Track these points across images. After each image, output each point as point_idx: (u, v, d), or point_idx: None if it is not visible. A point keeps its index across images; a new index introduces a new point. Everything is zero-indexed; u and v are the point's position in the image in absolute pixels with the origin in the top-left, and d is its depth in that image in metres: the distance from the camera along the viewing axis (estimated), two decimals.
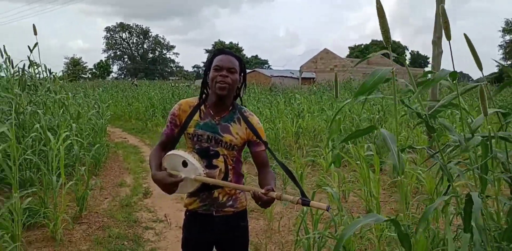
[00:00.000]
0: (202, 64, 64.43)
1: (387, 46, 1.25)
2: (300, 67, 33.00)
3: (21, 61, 4.87)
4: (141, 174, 5.68)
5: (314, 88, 17.65)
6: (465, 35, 1.42)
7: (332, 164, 2.43)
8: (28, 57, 5.32)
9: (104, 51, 66.96)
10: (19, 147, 2.69)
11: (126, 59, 68.72)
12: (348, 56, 51.23)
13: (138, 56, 68.67)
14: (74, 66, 55.12)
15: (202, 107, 1.74)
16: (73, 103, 4.96)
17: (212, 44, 61.11)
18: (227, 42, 61.12)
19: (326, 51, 32.24)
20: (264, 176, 1.73)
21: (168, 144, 1.77)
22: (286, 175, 1.65)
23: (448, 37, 1.33)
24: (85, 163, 4.04)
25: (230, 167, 1.76)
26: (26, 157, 2.96)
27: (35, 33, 5.05)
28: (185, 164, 1.62)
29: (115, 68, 67.58)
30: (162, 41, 70.12)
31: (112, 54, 67.49)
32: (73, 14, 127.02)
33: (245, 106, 1.85)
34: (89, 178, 3.64)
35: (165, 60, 70.27)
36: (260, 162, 1.77)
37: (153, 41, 69.57)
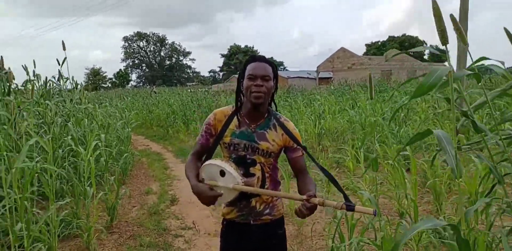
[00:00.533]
0: (218, 69, 64.99)
1: (444, 45, 1.20)
2: (317, 67, 32.75)
3: (52, 76, 5.00)
4: (166, 181, 5.73)
5: (332, 87, 17.48)
6: (505, 29, 1.35)
7: (363, 167, 2.37)
8: (59, 71, 5.57)
9: (123, 60, 68.54)
10: (52, 159, 2.74)
11: (144, 67, 70.06)
12: (365, 53, 50.51)
13: (156, 63, 69.87)
14: (95, 76, 56.60)
15: (238, 116, 1.74)
16: (101, 113, 5.05)
17: (228, 48, 61.54)
18: (242, 46, 61.41)
19: (343, 50, 31.87)
20: (303, 182, 1.70)
21: (203, 153, 1.77)
22: (328, 179, 1.61)
23: (465, 43, 1.27)
24: (113, 172, 4.09)
25: (267, 175, 1.75)
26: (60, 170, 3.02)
27: (64, 49, 5.20)
28: (222, 173, 1.61)
29: (133, 76, 69.04)
30: (178, 48, 71.21)
31: (131, 63, 68.95)
32: (92, 26, 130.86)
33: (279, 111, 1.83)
34: (118, 188, 3.69)
35: (181, 67, 71.22)
36: (298, 168, 1.75)
37: (170, 49, 70.69)
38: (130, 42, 69.21)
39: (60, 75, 5.80)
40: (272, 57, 65.44)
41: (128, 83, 62.07)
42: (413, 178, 2.36)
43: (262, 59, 1.69)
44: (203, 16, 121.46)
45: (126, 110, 7.34)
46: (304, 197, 1.43)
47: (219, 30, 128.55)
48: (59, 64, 5.56)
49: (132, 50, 69.41)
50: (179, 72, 69.85)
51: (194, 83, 45.18)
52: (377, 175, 4.40)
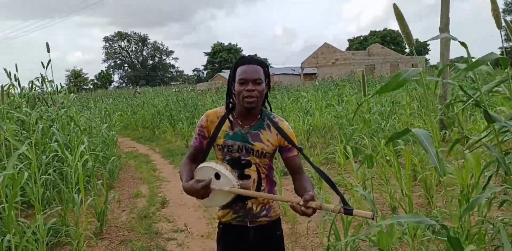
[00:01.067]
0: (202, 68, 64.55)
1: (410, 48, 1.21)
2: (302, 63, 32.87)
3: (36, 78, 4.84)
4: (155, 183, 5.65)
5: (317, 83, 17.58)
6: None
7: (355, 163, 2.36)
8: (41, 74, 5.41)
9: (104, 61, 67.37)
10: (36, 166, 2.64)
11: (126, 68, 69.03)
12: (348, 49, 50.94)
13: (138, 63, 68.93)
14: (75, 78, 55.47)
15: (230, 117, 1.70)
16: (83, 116, 4.92)
17: (211, 46, 61.09)
18: (226, 44, 61.09)
19: (326, 45, 32.04)
20: (300, 183, 1.67)
21: (198, 156, 1.74)
22: (325, 181, 1.58)
23: (499, 26, 1.27)
24: (100, 177, 3.99)
25: (263, 175, 1.73)
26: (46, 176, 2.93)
27: (48, 51, 5.06)
28: (218, 176, 1.58)
29: (116, 77, 67.98)
30: (161, 47, 70.40)
31: (112, 64, 67.84)
32: (71, 27, 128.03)
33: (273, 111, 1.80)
34: (107, 192, 3.61)
35: (165, 66, 70.49)
36: (294, 168, 1.72)
37: (152, 48, 69.79)
38: (111, 43, 68.06)
39: (43, 78, 5.68)
40: (256, 54, 65.19)
41: (110, 85, 61.11)
42: (407, 172, 2.36)
43: (253, 61, 1.65)
44: (184, 14, 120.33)
45: (109, 112, 7.16)
46: (301, 202, 1.40)
47: (201, 28, 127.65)
48: (44, 67, 5.42)
49: (113, 51, 68.29)
50: (163, 72, 69.11)
51: (178, 83, 44.77)
52: (365, 170, 4.44)
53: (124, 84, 64.38)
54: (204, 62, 63.52)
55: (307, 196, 1.40)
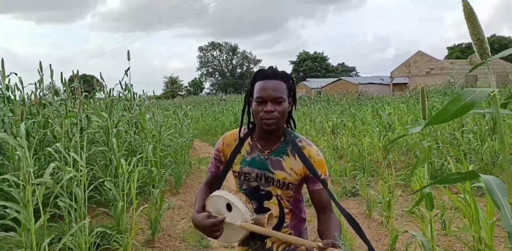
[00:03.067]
0: None
1: (483, 59, 0.83)
2: (391, 72, 30.88)
3: (116, 84, 5.25)
4: None
5: (408, 94, 16.18)
6: None
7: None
8: (120, 81, 5.87)
9: (198, 69, 72.24)
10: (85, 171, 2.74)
11: (217, 76, 73.00)
12: (447, 57, 46.44)
13: (228, 72, 72.37)
14: (172, 84, 60.53)
15: (249, 140, 1.47)
16: (154, 121, 5.13)
17: (297, 55, 61.29)
18: (311, 52, 60.72)
19: (420, 53, 29.59)
20: (325, 224, 1.37)
21: (214, 183, 1.54)
22: (351, 225, 1.26)
23: None
24: (164, 183, 4.07)
25: (286, 210, 1.46)
26: (99, 183, 3.04)
27: (129, 59, 5.44)
28: (229, 207, 1.36)
29: (207, 84, 72.34)
30: (249, 56, 73.00)
31: (205, 72, 72.36)
32: (171, 37, 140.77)
33: (298, 133, 1.52)
34: (161, 200, 3.63)
35: (252, 74, 72.62)
36: (319, 204, 1.42)
37: (241, 57, 72.77)
38: (204, 52, 72.80)
39: (126, 85, 6.17)
40: (343, 63, 63.61)
41: (201, 91, 65.19)
42: (489, 221, 1.80)
43: (273, 75, 1.39)
44: (275, 24, 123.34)
45: (180, 119, 7.44)
46: (320, 244, 1.11)
47: (290, 37, 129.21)
48: (126, 75, 5.94)
49: (206, 60, 72.89)
50: (250, 80, 71.32)
51: None
52: (444, 197, 3.76)
53: (214, 91, 68.11)
54: (290, 71, 63.96)
55: (328, 241, 1.10)
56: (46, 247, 2.12)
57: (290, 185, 1.42)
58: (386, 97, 16.01)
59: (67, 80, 5.19)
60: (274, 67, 1.46)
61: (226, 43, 73.18)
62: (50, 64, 5.12)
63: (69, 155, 2.61)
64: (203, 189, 1.55)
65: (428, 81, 23.43)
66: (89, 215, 3.74)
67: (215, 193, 1.42)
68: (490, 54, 0.83)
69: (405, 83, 28.65)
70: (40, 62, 4.85)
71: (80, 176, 2.50)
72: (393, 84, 30.02)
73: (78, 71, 5.19)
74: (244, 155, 1.47)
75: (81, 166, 2.53)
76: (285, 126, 1.48)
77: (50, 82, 5.36)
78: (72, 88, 4.92)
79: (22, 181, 2.08)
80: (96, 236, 2.97)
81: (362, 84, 30.17)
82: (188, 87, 63.88)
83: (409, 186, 4.94)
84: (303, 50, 62.59)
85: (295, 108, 1.50)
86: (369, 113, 9.36)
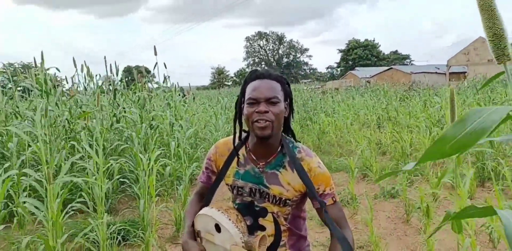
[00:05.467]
0: (335, 65, 63.20)
1: (500, 62, 0.59)
2: (448, 60, 28.72)
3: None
4: None
5: (466, 84, 14.88)
6: None
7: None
8: (164, 74, 6.02)
9: (245, 59, 72.61)
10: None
11: (263, 66, 72.86)
12: None
13: (274, 61, 71.95)
14: (219, 75, 61.43)
15: (243, 150, 1.29)
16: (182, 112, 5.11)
17: (346, 43, 59.18)
18: (362, 40, 58.26)
19: (481, 40, 27.10)
20: (333, 242, 1.21)
21: (205, 194, 1.39)
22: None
23: None
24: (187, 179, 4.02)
25: (283, 228, 1.28)
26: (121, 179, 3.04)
27: (155, 54, 5.49)
28: (218, 228, 1.21)
29: None
30: (296, 45, 71.88)
31: (251, 62, 72.56)
32: (220, 28, 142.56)
33: (300, 143, 1.31)
34: (186, 196, 3.58)
35: (298, 64, 71.77)
36: (326, 221, 1.23)
37: (288, 46, 71.86)
38: (251, 42, 72.86)
39: (165, 78, 6.34)
40: (396, 51, 60.35)
41: None
42: None
43: (266, 75, 1.21)
44: (323, 11, 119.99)
45: (215, 112, 7.37)
46: None
47: (339, 25, 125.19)
48: (165, 67, 6.11)
49: (253, 50, 72.99)
50: (296, 69, 70.53)
51: (309, 80, 44.94)
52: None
53: None
54: (337, 60, 62.06)
55: None
56: (60, 246, 2.11)
57: (287, 201, 1.24)
58: (440, 88, 14.86)
59: (119, 72, 5.52)
60: (269, 68, 1.29)
61: (272, 33, 72.68)
62: (105, 56, 5.39)
63: (91, 148, 2.60)
64: (193, 202, 1.41)
65: (490, 71, 21.47)
66: (118, 209, 3.82)
67: (204, 210, 1.27)
68: (511, 56, 0.59)
69: (464, 73, 26.53)
70: (105, 57, 5.20)
71: (98, 172, 2.47)
72: (450, 73, 27.94)
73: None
74: (237, 167, 1.30)
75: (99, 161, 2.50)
76: (283, 134, 1.29)
77: (106, 74, 5.58)
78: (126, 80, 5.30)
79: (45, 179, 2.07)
80: (118, 232, 2.98)
81: (415, 73, 28.41)
82: (234, 78, 64.48)
83: (447, 189, 4.48)
84: (353, 38, 60.38)
85: (292, 116, 1.30)
86: (419, 106, 8.69)
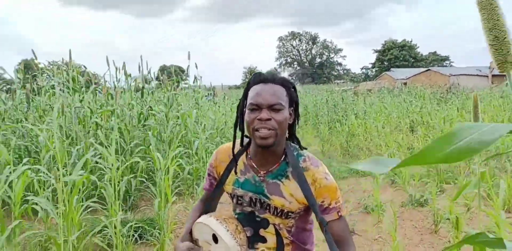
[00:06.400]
0: (370, 66, 61.64)
1: (503, 72, 0.52)
2: (490, 62, 27.15)
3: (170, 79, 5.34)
4: None
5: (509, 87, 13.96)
6: None
7: None
8: (194, 75, 6.17)
9: (277, 59, 72.44)
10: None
11: (295, 66, 72.39)
12: None
13: (307, 61, 71.27)
14: (250, 74, 61.64)
15: (243, 157, 1.23)
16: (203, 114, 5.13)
17: (382, 43, 57.50)
18: (399, 40, 56.41)
19: None
20: None
21: (207, 201, 1.34)
22: None
23: None
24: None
25: (286, 241, 1.20)
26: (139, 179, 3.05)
27: (189, 58, 5.60)
28: (215, 238, 1.16)
29: (286, 74, 72.20)
30: (330, 45, 70.83)
31: (284, 62, 72.25)
32: (252, 28, 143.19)
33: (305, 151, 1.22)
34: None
35: (331, 64, 70.67)
36: (327, 241, 1.13)
37: (321, 46, 70.96)
38: (284, 42, 72.58)
39: (195, 78, 6.44)
40: (435, 52, 57.93)
41: None
42: None
43: (270, 79, 1.13)
44: (360, 12, 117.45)
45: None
46: None
47: (376, 25, 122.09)
48: (196, 67, 6.22)
49: (285, 50, 72.67)
50: (329, 70, 69.48)
51: (342, 81, 44.14)
52: None
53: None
54: (372, 60, 60.46)
55: None
56: (71, 243, 2.14)
57: (290, 214, 1.17)
58: (481, 91, 14.06)
59: (155, 71, 5.71)
60: (275, 72, 1.21)
61: (306, 33, 72.04)
62: (141, 56, 5.55)
63: (106, 147, 2.63)
64: (196, 208, 1.37)
65: None
66: (139, 206, 3.87)
67: (202, 218, 1.23)
68: None
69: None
70: (141, 57, 5.40)
71: (111, 169, 2.49)
72: (493, 76, 26.44)
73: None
74: (237, 174, 1.23)
75: (114, 161, 2.52)
76: (287, 141, 1.21)
77: (143, 73, 5.76)
78: (161, 79, 5.46)
79: (53, 178, 2.11)
80: (135, 229, 3.01)
81: (454, 75, 27.12)
82: None
83: (492, 199, 4.17)
84: (390, 38, 58.60)
85: (297, 123, 1.21)
86: (454, 110, 8.25)
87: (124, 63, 5.33)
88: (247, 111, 1.13)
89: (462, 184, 4.39)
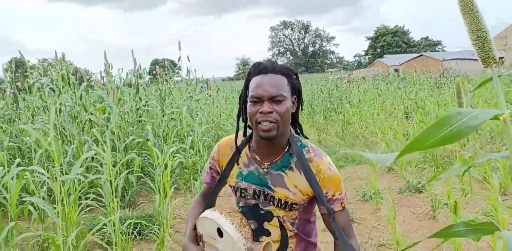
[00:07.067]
0: (363, 53, 61.50)
1: (486, 65, 0.61)
2: None
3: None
4: None
5: (503, 70, 14.03)
6: None
7: None
8: (187, 67, 6.09)
9: (269, 49, 72.00)
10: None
11: (288, 55, 72.06)
12: None
13: (300, 51, 70.95)
14: (244, 66, 61.33)
15: (246, 150, 1.22)
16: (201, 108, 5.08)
17: (374, 30, 57.31)
18: (391, 26, 56.21)
19: None
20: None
21: (209, 195, 1.33)
22: None
23: None
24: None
25: (291, 234, 1.19)
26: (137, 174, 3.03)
27: (180, 49, 5.50)
28: (220, 232, 1.15)
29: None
30: (322, 33, 70.50)
31: (276, 52, 71.86)
32: (244, 19, 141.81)
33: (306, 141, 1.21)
34: None
35: (324, 53, 70.44)
36: (331, 229, 1.15)
37: (314, 35, 70.57)
38: (276, 32, 72.09)
39: (188, 71, 6.37)
40: (427, 37, 57.84)
41: None
42: None
43: (270, 68, 1.10)
44: None
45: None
46: None
47: (368, 12, 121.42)
48: (188, 60, 6.15)
49: (277, 39, 72.22)
50: (322, 58, 69.28)
51: (335, 69, 44.06)
52: None
53: None
54: (365, 48, 60.31)
55: None
56: (70, 243, 2.13)
57: (293, 205, 1.16)
58: (474, 75, 14.09)
59: (145, 68, 5.66)
60: (275, 61, 1.17)
61: (298, 22, 71.59)
62: (132, 50, 5.48)
63: (103, 143, 2.60)
64: (197, 203, 1.35)
65: None
66: (138, 202, 3.86)
67: (206, 213, 1.21)
68: (497, 59, 0.61)
69: (501, 58, 25.06)
70: (132, 51, 5.39)
71: (106, 167, 2.47)
72: None
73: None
74: (241, 167, 1.22)
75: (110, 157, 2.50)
76: (290, 131, 1.19)
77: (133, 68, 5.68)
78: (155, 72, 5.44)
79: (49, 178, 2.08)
80: (134, 226, 3.00)
81: (446, 60, 27.14)
82: None
83: (489, 182, 4.21)
84: (382, 25, 58.35)
85: (301, 109, 1.20)
86: (449, 94, 8.28)
87: (105, 59, 5.25)
88: (248, 103, 1.11)
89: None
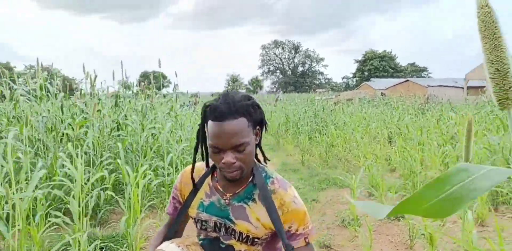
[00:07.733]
0: (351, 75, 62.74)
1: (503, 109, 0.47)
2: (466, 74, 28.10)
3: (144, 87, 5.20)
4: None
5: (484, 99, 14.41)
6: None
7: None
8: (174, 83, 6.03)
9: (260, 67, 72.83)
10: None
11: (278, 74, 72.98)
12: None
13: (289, 70, 71.98)
14: (233, 82, 61.70)
15: (209, 179, 1.16)
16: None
17: (363, 54, 58.73)
18: (379, 51, 57.77)
19: None
20: None
21: (171, 227, 1.25)
22: None
23: None
24: None
25: None
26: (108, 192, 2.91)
27: (160, 66, 5.45)
28: None
29: (268, 82, 72.69)
30: (312, 54, 71.87)
31: (266, 70, 72.75)
32: (237, 35, 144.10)
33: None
34: None
35: (313, 73, 71.61)
36: None
37: (303, 55, 71.90)
38: (267, 50, 73.25)
39: (174, 86, 6.30)
40: (414, 63, 59.52)
41: (261, 89, 65.57)
42: None
43: (227, 114, 1.00)
44: (343, 21, 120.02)
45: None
46: None
47: (358, 35, 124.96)
48: (176, 76, 6.08)
49: (268, 58, 73.26)
50: (311, 79, 70.33)
51: (323, 90, 44.72)
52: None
53: (274, 90, 68.20)
54: (353, 70, 61.63)
55: None
56: None
57: (256, 240, 1.09)
58: (457, 103, 14.44)
59: (133, 81, 5.57)
60: (231, 96, 1.03)
61: (289, 41, 72.88)
62: (122, 61, 5.39)
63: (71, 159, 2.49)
64: (160, 234, 1.27)
65: None
66: (109, 221, 3.69)
67: (163, 245, 1.14)
68: None
69: (482, 87, 25.86)
70: (121, 62, 5.33)
71: (74, 185, 2.35)
72: (468, 87, 27.28)
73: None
74: (202, 197, 1.16)
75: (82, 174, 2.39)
76: (255, 162, 1.14)
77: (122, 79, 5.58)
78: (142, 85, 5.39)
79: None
80: (101, 247, 2.85)
81: (431, 86, 27.85)
82: (248, 86, 64.63)
83: (475, 211, 4.20)
84: (370, 49, 59.89)
85: (265, 130, 1.15)
86: (432, 121, 8.40)
87: (94, 70, 5.16)
88: (210, 149, 1.05)
89: None
